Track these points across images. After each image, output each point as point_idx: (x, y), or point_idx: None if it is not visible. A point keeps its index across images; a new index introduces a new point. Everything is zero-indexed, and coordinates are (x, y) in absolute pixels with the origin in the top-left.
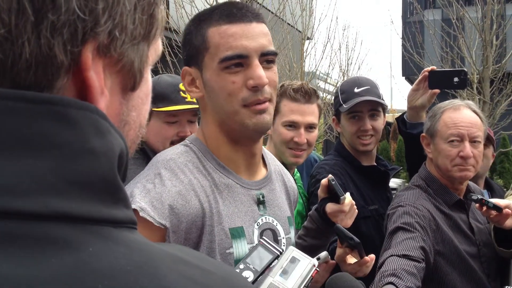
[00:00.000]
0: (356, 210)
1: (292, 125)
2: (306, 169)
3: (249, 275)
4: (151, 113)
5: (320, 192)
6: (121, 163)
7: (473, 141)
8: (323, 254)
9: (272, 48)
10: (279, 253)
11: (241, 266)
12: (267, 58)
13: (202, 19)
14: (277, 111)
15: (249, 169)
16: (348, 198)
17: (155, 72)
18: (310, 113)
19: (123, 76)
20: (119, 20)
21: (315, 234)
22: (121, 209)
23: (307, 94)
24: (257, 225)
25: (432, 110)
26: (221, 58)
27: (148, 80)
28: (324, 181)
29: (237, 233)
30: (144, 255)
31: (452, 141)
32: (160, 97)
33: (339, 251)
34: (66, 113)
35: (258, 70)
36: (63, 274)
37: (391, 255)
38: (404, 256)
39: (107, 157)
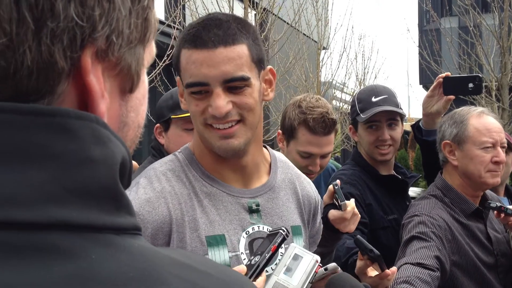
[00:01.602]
0: (359, 216)
1: (308, 156)
2: (324, 179)
3: (257, 259)
4: (170, 121)
5: (326, 198)
6: (124, 170)
7: (502, 146)
8: (331, 265)
9: (239, 74)
10: (281, 231)
11: (251, 257)
12: (233, 85)
13: (182, 35)
14: (293, 135)
15: (243, 177)
16: (351, 205)
17: (173, 84)
18: (327, 144)
19: (122, 79)
20: (116, 25)
21: (320, 241)
22: (124, 216)
23: (327, 127)
24: (246, 233)
25: (451, 117)
26: (185, 83)
27: (144, 82)
28: (331, 186)
29: (215, 241)
30: (147, 261)
31: (487, 147)
32: (178, 105)
33: (359, 263)
34: (65, 124)
35: (217, 100)
36: (66, 282)
37: (405, 263)
38: (418, 265)
39: (107, 165)
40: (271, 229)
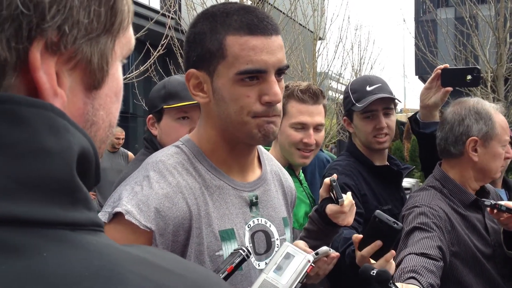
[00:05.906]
0: (355, 208)
1: (301, 126)
2: (318, 170)
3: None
4: (163, 112)
5: (322, 191)
6: (86, 163)
7: None
8: (322, 248)
9: (286, 62)
10: (241, 251)
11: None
12: (281, 72)
13: (219, 22)
14: (284, 112)
15: (242, 170)
16: (348, 198)
17: (167, 74)
18: (318, 114)
19: (82, 73)
20: (69, 14)
21: (316, 235)
22: (81, 210)
23: (315, 95)
24: (248, 227)
25: (476, 112)
26: (239, 70)
27: (116, 78)
28: (327, 180)
29: (227, 235)
30: (103, 259)
31: (505, 145)
32: (170, 95)
33: (366, 249)
34: (16, 112)
35: (275, 87)
36: (15, 281)
37: (409, 253)
38: (422, 255)
39: (62, 157)
40: (269, 222)
